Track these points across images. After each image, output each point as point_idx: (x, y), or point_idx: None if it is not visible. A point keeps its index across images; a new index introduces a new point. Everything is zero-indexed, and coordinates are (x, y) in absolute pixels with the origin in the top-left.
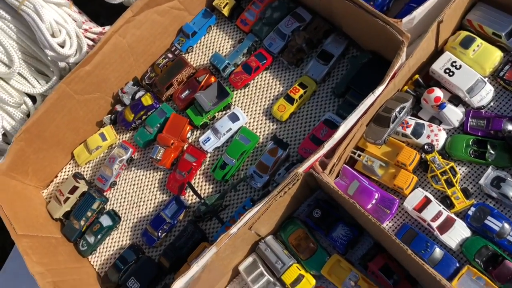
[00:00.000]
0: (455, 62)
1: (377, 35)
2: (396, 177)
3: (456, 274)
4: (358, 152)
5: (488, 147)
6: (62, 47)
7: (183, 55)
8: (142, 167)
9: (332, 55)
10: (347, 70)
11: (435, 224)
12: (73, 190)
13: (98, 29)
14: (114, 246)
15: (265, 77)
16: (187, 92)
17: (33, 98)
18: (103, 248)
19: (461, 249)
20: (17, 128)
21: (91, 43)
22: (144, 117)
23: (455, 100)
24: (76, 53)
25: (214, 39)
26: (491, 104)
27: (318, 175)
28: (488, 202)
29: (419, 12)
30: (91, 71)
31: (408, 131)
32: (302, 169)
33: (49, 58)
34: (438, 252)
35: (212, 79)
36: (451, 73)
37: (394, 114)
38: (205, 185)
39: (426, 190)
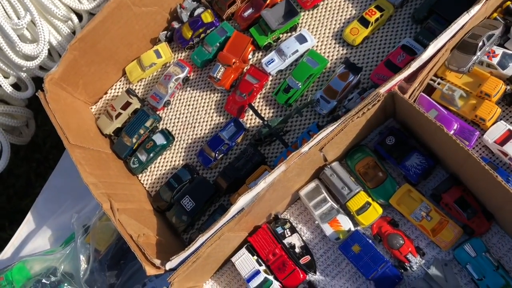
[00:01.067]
0: None
1: None
2: (478, 108)
3: None
4: (439, 79)
5: None
6: None
7: None
8: (199, 88)
9: None
10: None
11: None
12: (126, 106)
13: None
14: (166, 166)
15: None
16: (250, 10)
17: (79, 17)
18: (155, 167)
19: None
20: (63, 44)
21: None
22: (203, 35)
23: None
24: None
25: None
26: None
27: (401, 94)
28: None
29: None
30: None
31: (495, 61)
32: (383, 89)
33: None
34: None
35: None
36: None
37: (482, 41)
38: (266, 109)
39: (510, 124)
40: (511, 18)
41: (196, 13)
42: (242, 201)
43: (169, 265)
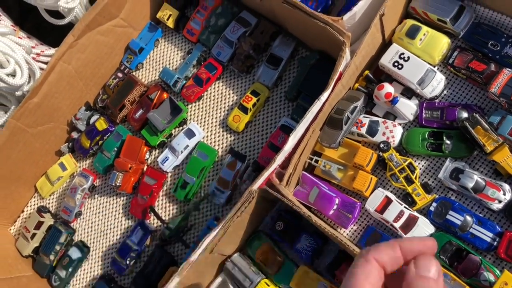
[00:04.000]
0: (403, 54)
1: (320, 35)
2: (355, 180)
3: None
4: (315, 157)
5: (444, 138)
6: (14, 76)
7: (133, 73)
8: (105, 194)
9: (281, 58)
10: (297, 72)
11: (397, 225)
12: (39, 225)
13: (51, 51)
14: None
15: (218, 87)
16: (140, 111)
17: None
18: (76, 280)
19: None
20: None
21: (45, 66)
22: (100, 142)
23: (408, 92)
24: (30, 80)
25: (163, 52)
26: (444, 92)
27: (271, 190)
28: (449, 195)
29: (360, 7)
30: (40, 102)
31: (363, 130)
32: (256, 185)
33: (3, 89)
34: None
35: (165, 95)
36: (400, 66)
37: (346, 115)
38: (169, 206)
39: (387, 189)
40: (372, 85)
41: (91, 121)
42: None
43: None
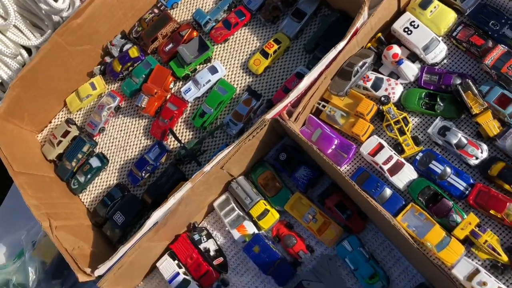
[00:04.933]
0: (413, 22)
1: None
2: (355, 126)
3: (402, 210)
4: (323, 103)
5: (438, 99)
6: (56, 1)
7: (168, 11)
8: (129, 115)
9: (305, 13)
10: (318, 27)
11: (386, 167)
12: (65, 134)
13: None
14: (102, 185)
15: (244, 32)
16: (171, 45)
17: (28, 50)
18: (93, 187)
19: (408, 189)
20: (13, 77)
21: None
22: (131, 68)
23: (413, 57)
24: (69, 7)
25: None
26: (444, 61)
27: (283, 121)
28: (435, 149)
29: None
30: (82, 23)
31: (368, 84)
32: (269, 115)
33: (43, 11)
34: (387, 191)
35: (194, 33)
36: (409, 32)
37: (356, 68)
38: (186, 131)
39: (382, 138)
40: (382, 47)
41: (124, 49)
42: (156, 215)
43: (97, 272)
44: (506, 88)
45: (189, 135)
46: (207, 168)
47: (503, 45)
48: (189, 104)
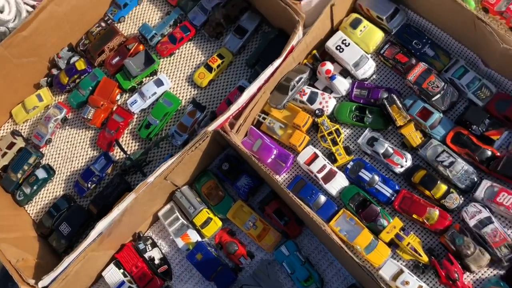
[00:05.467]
0: (345, 40)
1: (281, 14)
2: (292, 137)
3: (335, 216)
4: (263, 115)
5: (367, 112)
6: (1, 12)
7: (115, 24)
8: (76, 126)
9: (246, 30)
10: (259, 43)
11: (320, 175)
12: (11, 145)
13: None
14: (49, 196)
15: (189, 47)
16: (117, 58)
17: None
18: (39, 198)
19: (340, 196)
20: None
21: (30, 9)
22: (78, 80)
23: (345, 72)
24: (15, 19)
25: (145, 10)
26: (373, 76)
27: (224, 133)
28: (364, 158)
29: None
30: (28, 36)
31: (304, 98)
32: (211, 127)
33: None
34: (321, 198)
35: (141, 47)
36: (341, 50)
37: (292, 83)
38: (132, 142)
39: (317, 148)
40: (317, 63)
41: (71, 61)
42: (100, 226)
43: (41, 284)
44: (427, 102)
45: (135, 146)
46: (150, 179)
47: (423, 63)
48: (135, 116)
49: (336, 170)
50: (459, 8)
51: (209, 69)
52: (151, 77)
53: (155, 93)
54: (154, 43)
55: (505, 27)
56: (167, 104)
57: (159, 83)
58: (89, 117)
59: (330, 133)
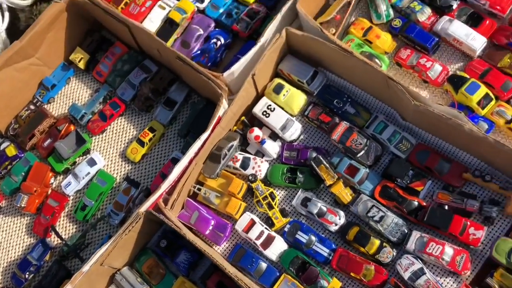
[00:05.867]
0: (270, 105)
1: (206, 86)
2: (228, 205)
3: (277, 281)
4: (198, 186)
5: (298, 173)
6: None
7: (45, 106)
8: (10, 214)
9: (175, 101)
10: (189, 114)
11: (259, 242)
12: None
13: None
14: None
15: (120, 123)
16: (49, 140)
17: None
18: None
19: (280, 260)
20: None
21: None
22: (9, 166)
23: (274, 136)
24: None
25: (74, 89)
26: (301, 137)
27: (157, 212)
28: (301, 219)
29: (237, 67)
30: None
31: (238, 164)
32: (143, 208)
33: None
34: (262, 265)
35: (72, 127)
36: (267, 115)
37: (224, 152)
38: (69, 225)
39: (254, 213)
40: (247, 128)
41: (1, 147)
42: None
43: None
44: (353, 158)
45: (72, 229)
46: (85, 267)
47: (345, 122)
48: (71, 198)
49: (274, 234)
50: (371, 69)
51: (141, 143)
52: (84, 157)
53: (88, 173)
54: (84, 122)
55: (418, 79)
56: (101, 183)
57: (92, 162)
58: (22, 205)
59: (265, 198)
